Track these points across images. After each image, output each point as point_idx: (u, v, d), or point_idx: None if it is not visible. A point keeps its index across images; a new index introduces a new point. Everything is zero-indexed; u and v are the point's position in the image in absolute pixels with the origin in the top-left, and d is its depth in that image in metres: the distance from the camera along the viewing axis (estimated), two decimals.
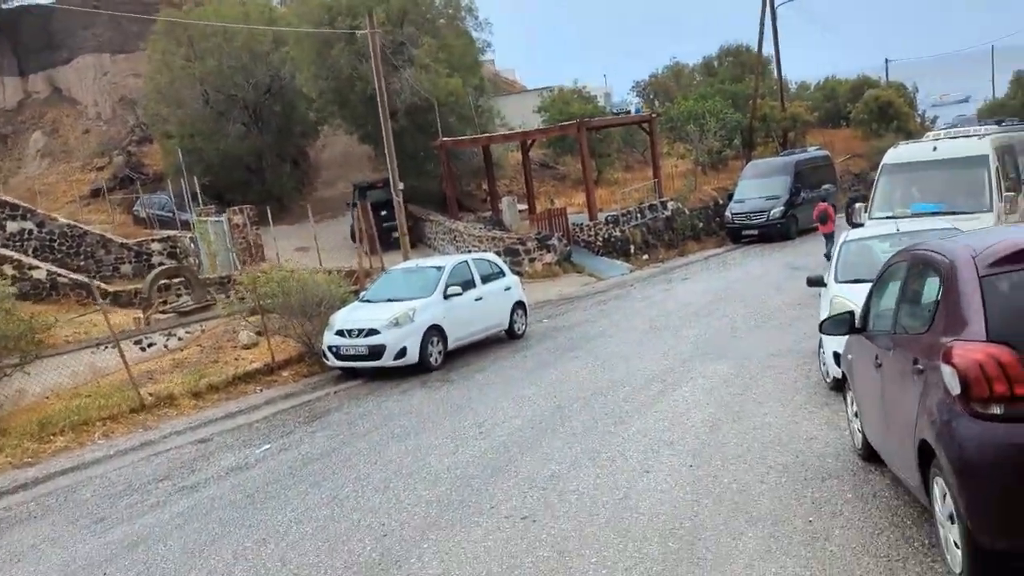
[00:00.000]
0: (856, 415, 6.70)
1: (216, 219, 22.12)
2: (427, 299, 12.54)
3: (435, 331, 12.36)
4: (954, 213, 12.32)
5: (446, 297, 12.73)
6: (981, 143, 14.01)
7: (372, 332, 11.96)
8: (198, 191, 27.43)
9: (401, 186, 17.81)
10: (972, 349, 4.20)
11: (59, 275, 19.60)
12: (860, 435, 6.58)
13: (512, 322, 14.23)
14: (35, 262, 20.76)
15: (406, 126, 27.09)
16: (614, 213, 24.82)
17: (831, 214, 20.45)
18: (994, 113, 78.99)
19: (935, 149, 14.15)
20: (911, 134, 46.72)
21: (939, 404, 4.37)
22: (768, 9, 37.35)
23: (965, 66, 76.01)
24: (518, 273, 20.93)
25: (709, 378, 9.95)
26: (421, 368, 12.20)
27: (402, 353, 11.91)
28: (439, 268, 13.19)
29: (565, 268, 21.99)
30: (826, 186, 24.97)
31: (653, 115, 26.79)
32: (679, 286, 18.93)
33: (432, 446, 8.57)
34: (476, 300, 13.35)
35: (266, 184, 30.90)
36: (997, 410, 4.08)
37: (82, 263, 23.85)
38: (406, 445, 8.73)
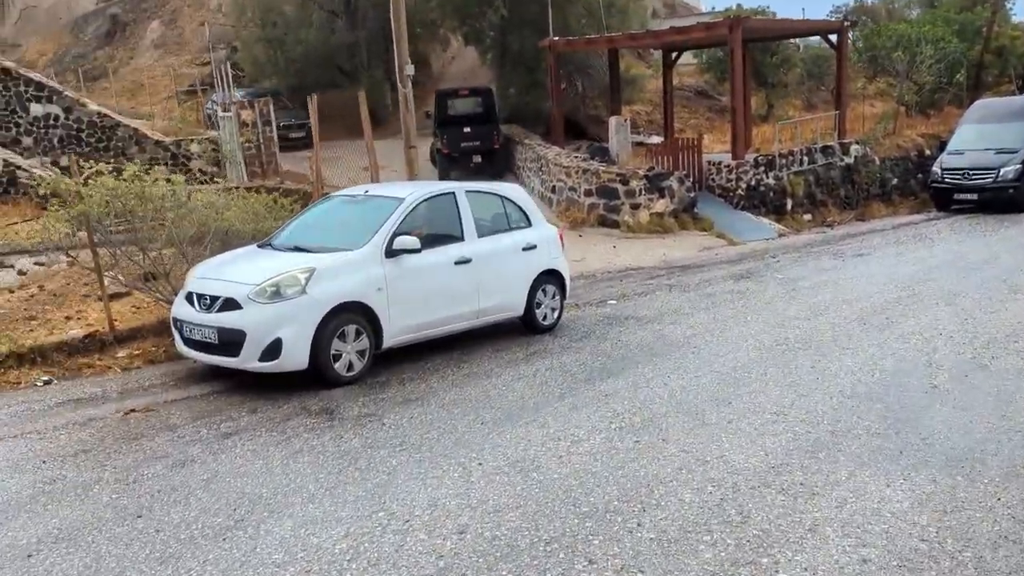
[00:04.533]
0: None
1: (224, 114, 17.34)
2: (350, 255, 6.95)
3: (354, 314, 6.79)
4: None
5: (390, 254, 7.08)
6: None
7: (229, 305, 6.56)
8: (278, 91, 23.17)
9: (410, 69, 12.03)
10: None
11: (18, 167, 15.48)
12: None
13: (533, 305, 8.41)
14: None
15: (511, 20, 21.24)
16: (770, 154, 17.96)
17: None
18: None
19: None
20: None
21: None
22: None
23: None
24: (613, 224, 14.91)
25: (867, 512, 3.88)
26: (321, 380, 6.72)
27: (273, 350, 6.45)
28: (393, 201, 7.51)
29: (683, 222, 15.64)
30: None
31: (845, 23, 19.38)
32: (848, 268, 12.23)
33: None
34: (459, 264, 7.64)
35: (358, 88, 26.07)
36: None
37: (112, 159, 19.98)
38: None
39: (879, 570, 3.56)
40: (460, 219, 7.86)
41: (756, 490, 4.48)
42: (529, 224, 8.62)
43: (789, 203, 18.02)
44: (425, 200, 7.67)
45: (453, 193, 7.93)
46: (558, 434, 5.49)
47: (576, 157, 16.85)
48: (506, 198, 8.54)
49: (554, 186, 16.59)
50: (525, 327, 8.59)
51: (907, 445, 5.09)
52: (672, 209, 15.50)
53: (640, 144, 20.39)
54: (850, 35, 22.85)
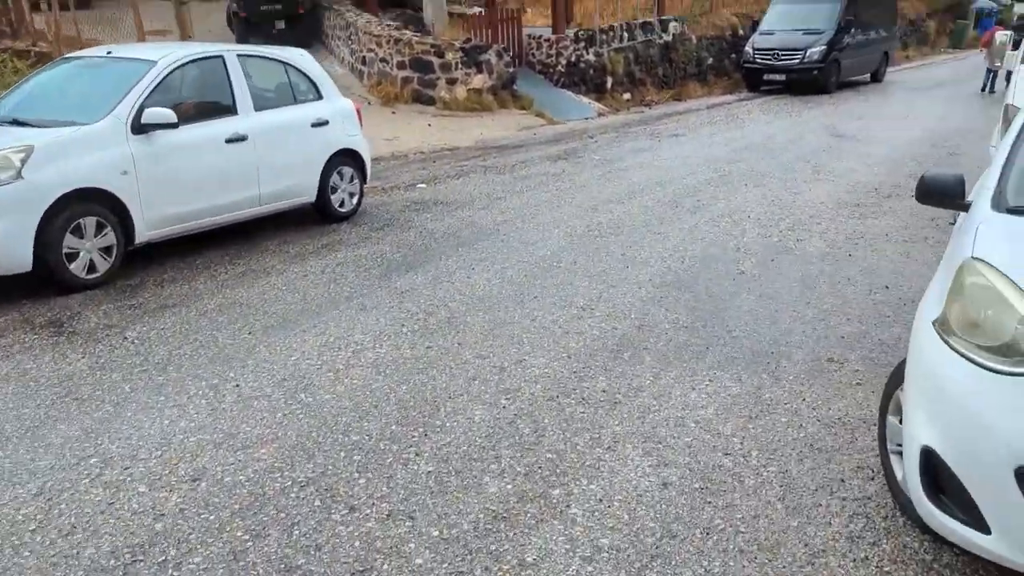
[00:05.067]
0: None
1: None
2: (84, 130, 5.65)
3: (93, 203, 5.58)
4: None
5: (139, 130, 5.84)
6: None
7: None
8: None
9: None
10: None
11: None
12: None
13: (327, 189, 7.45)
14: None
15: None
16: (591, 29, 17.32)
17: None
18: None
19: None
20: None
21: None
22: None
23: None
24: (429, 100, 13.87)
25: (670, 422, 3.46)
26: (54, 284, 5.54)
27: None
28: (142, 65, 6.17)
29: (503, 99, 14.84)
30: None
31: None
32: (664, 148, 12.02)
33: None
34: (232, 142, 6.50)
35: None
36: None
37: None
38: None
39: (680, 495, 3.15)
40: (232, 89, 6.64)
41: (555, 401, 3.98)
42: (320, 97, 7.51)
43: (609, 81, 17.63)
44: (184, 64, 6.36)
45: (222, 57, 6.65)
46: (339, 342, 4.75)
47: (389, 26, 15.43)
48: (290, 65, 7.34)
49: (364, 57, 15.19)
50: (319, 215, 7.63)
51: (713, 339, 4.78)
52: (491, 85, 14.63)
53: (460, 16, 19.10)
54: None
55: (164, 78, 6.15)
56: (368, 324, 5.07)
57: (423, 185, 9.51)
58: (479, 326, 5.02)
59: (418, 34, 15.23)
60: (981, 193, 3.29)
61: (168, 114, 5.91)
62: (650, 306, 5.38)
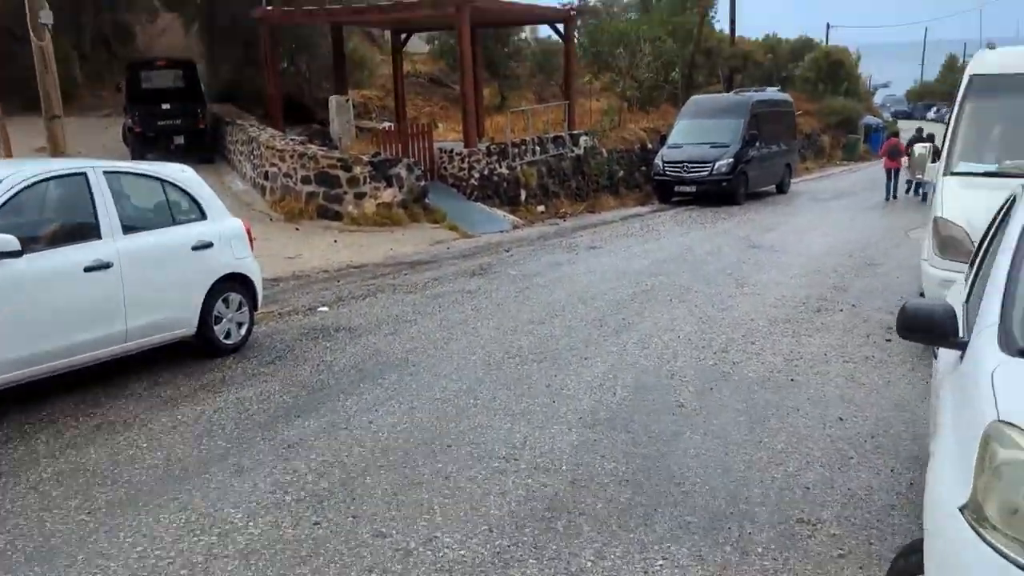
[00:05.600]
0: None
1: None
2: None
3: None
4: None
5: None
6: None
7: None
8: None
9: (46, 16, 9.46)
10: None
11: None
12: None
13: (210, 319, 6.53)
14: None
15: None
16: (503, 143, 17.19)
17: (903, 148, 19.65)
18: (922, 96, 79.04)
19: None
20: (860, 99, 41.54)
21: None
22: None
23: (882, 54, 70.89)
24: (336, 215, 13.20)
25: None
26: None
27: None
28: None
29: (414, 213, 14.29)
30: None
31: (572, 10, 19.16)
32: (582, 261, 11.57)
33: None
34: (92, 270, 5.57)
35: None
36: None
37: None
38: None
39: None
40: (95, 209, 5.76)
41: None
42: (203, 216, 6.69)
43: (523, 194, 17.40)
44: (37, 182, 5.48)
45: (84, 174, 5.79)
46: (203, 522, 3.79)
47: (293, 140, 14.86)
48: (169, 182, 6.53)
49: (267, 172, 14.49)
50: (202, 348, 6.67)
51: (661, 497, 4.04)
52: (401, 199, 14.09)
53: (369, 130, 18.80)
54: (576, 34, 22.85)
55: (10, 198, 5.25)
56: (243, 493, 4.12)
57: (325, 308, 8.67)
58: (381, 490, 4.14)
59: (324, 148, 14.69)
60: (981, 333, 2.71)
61: (9, 241, 4.98)
62: (583, 453, 4.63)
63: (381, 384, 5.98)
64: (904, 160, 19.64)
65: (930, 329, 2.81)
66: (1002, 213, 3.56)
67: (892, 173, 19.56)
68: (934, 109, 65.85)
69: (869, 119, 37.75)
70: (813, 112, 33.67)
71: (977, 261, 3.57)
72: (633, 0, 42.36)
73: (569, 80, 20.23)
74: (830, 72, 37.88)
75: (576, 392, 5.79)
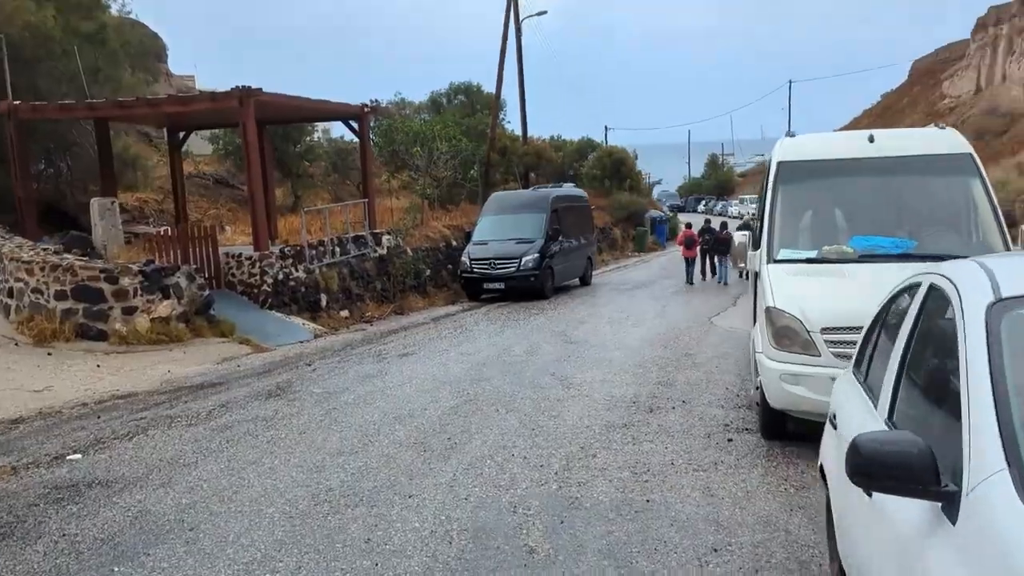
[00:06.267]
0: None
1: None
2: None
3: None
4: (934, 257, 5.71)
5: None
6: (953, 138, 7.69)
7: None
8: None
9: None
10: None
11: None
12: None
13: None
14: None
15: None
16: (299, 244, 15.92)
17: (696, 238, 21.23)
18: (692, 191, 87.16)
19: (872, 141, 7.57)
20: (642, 194, 44.44)
21: None
22: (514, 33, 31.40)
23: (653, 153, 78.04)
24: (100, 335, 11.29)
25: None
26: None
27: None
28: None
29: (197, 327, 12.58)
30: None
31: (366, 108, 18.52)
32: (394, 371, 10.48)
33: None
34: None
35: None
36: None
37: None
38: None
39: None
40: None
41: None
42: None
43: (324, 299, 16.12)
44: None
45: None
46: None
47: (46, 250, 12.75)
48: None
49: (11, 288, 12.23)
50: None
51: None
52: (181, 312, 12.36)
53: (143, 235, 16.82)
54: (370, 133, 22.27)
55: None
56: None
57: (77, 456, 6.94)
58: None
59: (84, 258, 12.70)
60: (985, 482, 1.95)
61: None
62: None
63: (143, 564, 4.53)
64: (696, 249, 21.21)
65: (906, 478, 2.05)
66: (915, 313, 2.97)
67: (690, 261, 21.20)
68: (703, 202, 72.31)
69: (653, 213, 40.30)
70: (604, 207, 35.24)
71: (896, 374, 2.91)
72: (424, 102, 43.17)
73: (367, 178, 19.49)
74: (614, 169, 40.20)
75: (403, 547, 4.67)
